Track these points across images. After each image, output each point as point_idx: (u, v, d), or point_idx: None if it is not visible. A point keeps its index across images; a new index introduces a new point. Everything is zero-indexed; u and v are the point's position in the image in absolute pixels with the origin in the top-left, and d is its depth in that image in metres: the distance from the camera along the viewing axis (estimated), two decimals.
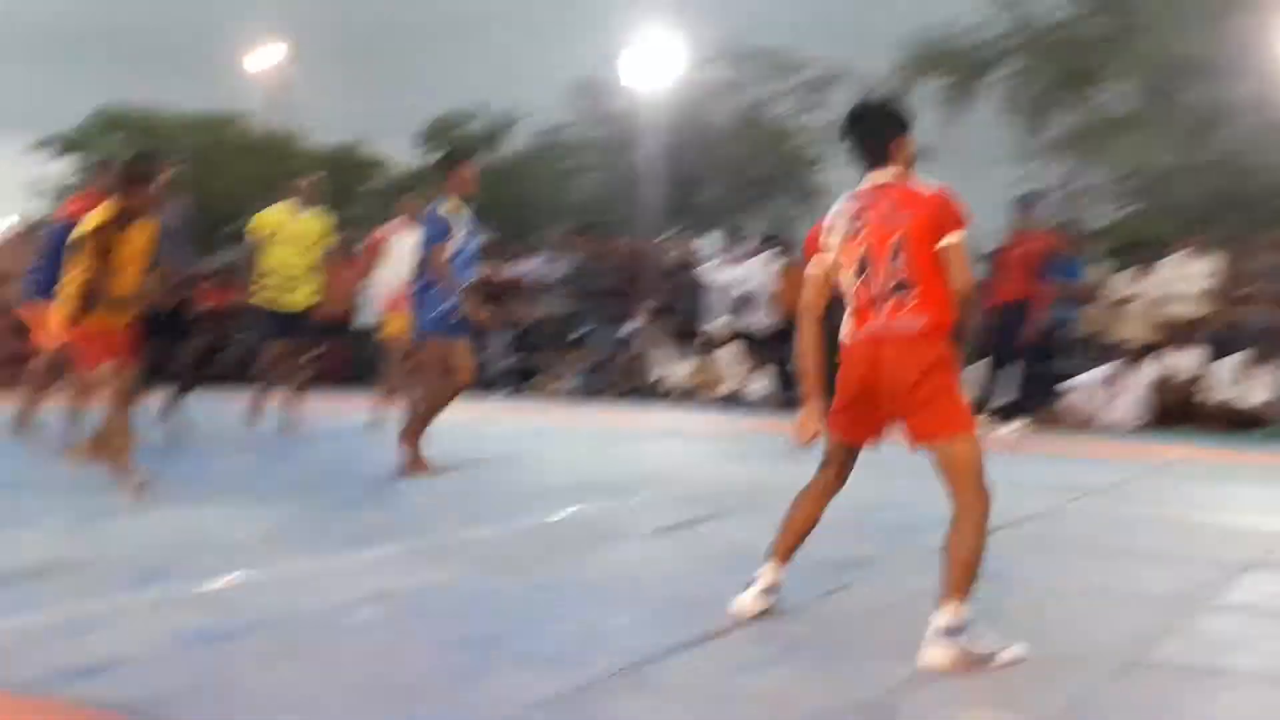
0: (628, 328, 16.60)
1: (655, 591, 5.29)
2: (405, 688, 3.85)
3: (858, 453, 4.96)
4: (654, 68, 18.03)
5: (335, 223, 11.21)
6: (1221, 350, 13.60)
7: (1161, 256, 14.47)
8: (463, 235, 8.60)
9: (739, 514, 7.08)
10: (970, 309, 4.66)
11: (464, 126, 34.39)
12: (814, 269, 4.90)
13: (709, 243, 18.01)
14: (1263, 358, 13.36)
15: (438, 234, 8.54)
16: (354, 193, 33.32)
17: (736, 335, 15.70)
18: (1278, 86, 20.72)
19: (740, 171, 31.64)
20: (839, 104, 30.44)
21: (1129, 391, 13.58)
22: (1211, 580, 5.76)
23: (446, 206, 8.64)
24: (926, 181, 4.65)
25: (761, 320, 15.62)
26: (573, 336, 17.05)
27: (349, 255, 13.13)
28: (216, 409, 11.11)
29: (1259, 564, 6.19)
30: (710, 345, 15.72)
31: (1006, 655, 4.21)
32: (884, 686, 4.02)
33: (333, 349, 13.60)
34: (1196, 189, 23.09)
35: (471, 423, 10.08)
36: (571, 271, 17.26)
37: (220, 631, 4.36)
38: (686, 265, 17.07)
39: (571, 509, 7.15)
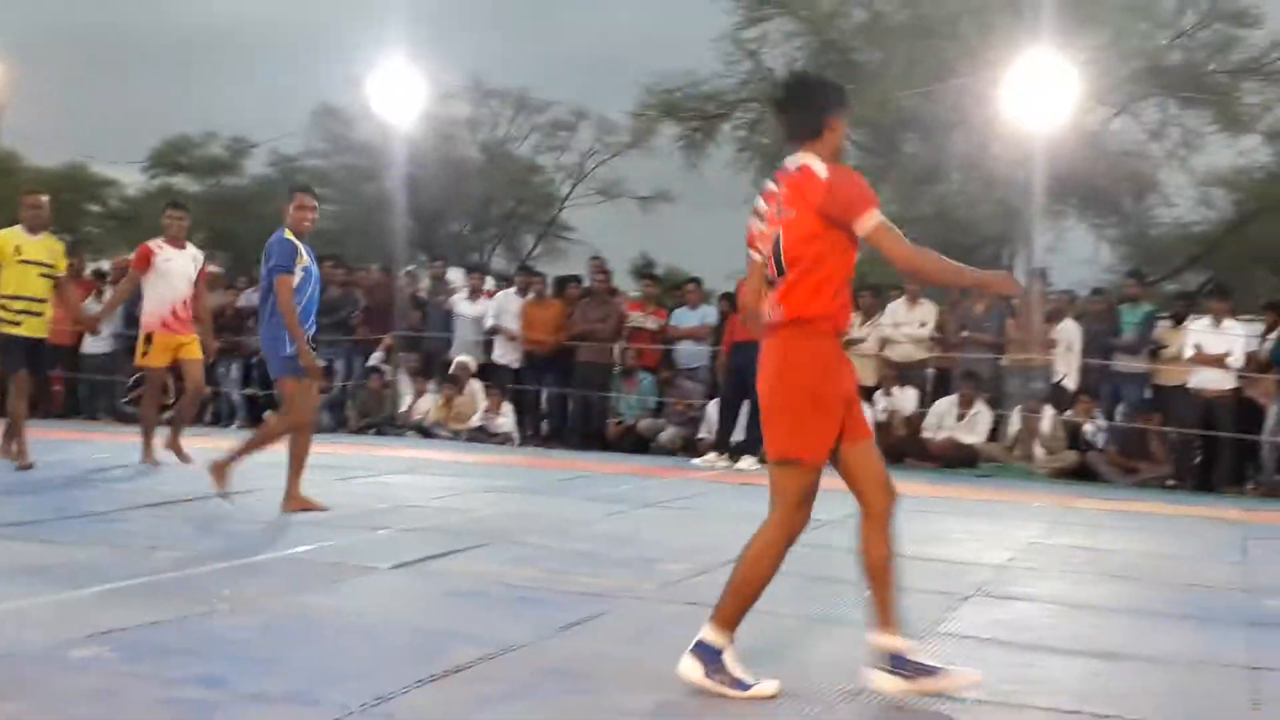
0: (374, 358, 16.32)
1: (396, 627, 5.16)
2: None
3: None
4: (398, 99, 17.85)
5: (65, 247, 10.62)
6: (939, 391, 14.19)
7: (882, 301, 14.98)
8: (311, 267, 8.28)
9: (483, 550, 7.03)
10: (924, 271, 4.60)
11: (197, 150, 33.33)
12: (751, 265, 4.57)
13: (457, 275, 17.86)
14: (975, 398, 14.00)
15: (286, 261, 8.10)
16: (81, 212, 31.92)
17: (483, 368, 15.57)
18: (987, 146, 21.74)
19: (484, 207, 31.50)
20: (582, 145, 30.80)
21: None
22: (934, 609, 5.95)
23: (288, 235, 8.25)
24: (817, 166, 4.29)
25: (507, 354, 15.55)
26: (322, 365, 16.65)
27: (78, 279, 12.56)
28: None
29: (978, 593, 6.46)
30: (458, 378, 15.55)
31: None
32: (643, 715, 4.02)
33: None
34: (916, 238, 24.03)
35: (204, 452, 9.71)
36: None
37: None
38: (435, 297, 16.88)
39: (309, 545, 6.96)
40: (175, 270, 10.16)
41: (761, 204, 4.43)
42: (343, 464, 11.54)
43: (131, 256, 11.35)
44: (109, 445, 10.46)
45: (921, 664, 4.25)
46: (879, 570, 4.45)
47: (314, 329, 8.36)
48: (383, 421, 15.80)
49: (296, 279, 8.05)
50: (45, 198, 10.40)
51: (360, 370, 16.37)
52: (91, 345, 16.55)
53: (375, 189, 28.14)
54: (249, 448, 8.49)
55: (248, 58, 48.75)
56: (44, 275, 10.00)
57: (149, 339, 10.28)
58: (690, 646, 4.19)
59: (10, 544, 6.67)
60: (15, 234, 9.94)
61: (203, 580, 5.85)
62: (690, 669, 4.16)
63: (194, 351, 10.29)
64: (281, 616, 5.18)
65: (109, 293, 16.77)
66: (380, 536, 7.35)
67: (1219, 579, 7.35)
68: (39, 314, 10.01)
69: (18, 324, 9.82)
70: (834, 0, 25.79)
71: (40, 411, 10.50)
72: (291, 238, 8.21)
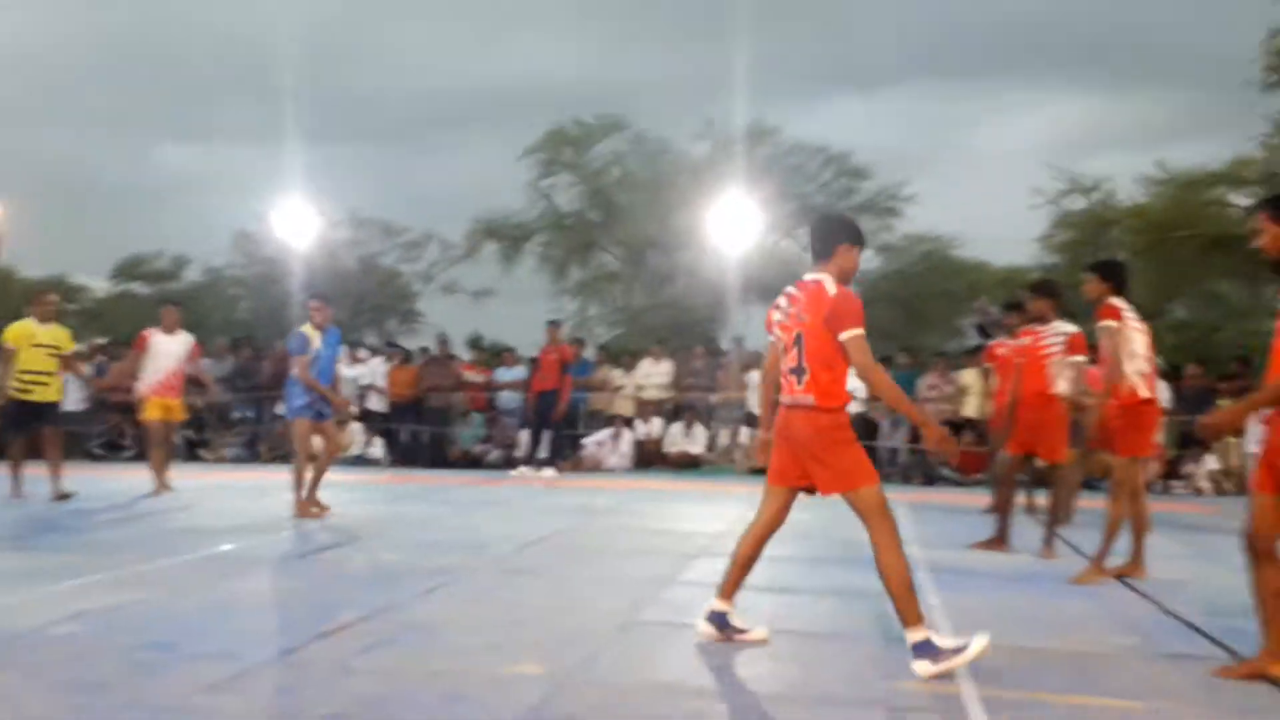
0: (278, 409, 15.77)
1: (297, 601, 4.96)
2: (98, 683, 3.41)
3: (792, 497, 4.20)
4: (296, 225, 17.56)
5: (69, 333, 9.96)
6: (674, 418, 14.36)
7: (638, 360, 15.16)
8: (321, 349, 8.31)
9: (358, 542, 6.79)
10: (875, 387, 4.05)
11: (148, 264, 32.12)
12: (772, 344, 4.19)
13: (352, 349, 17.48)
14: (695, 421, 14.23)
15: (299, 348, 8.27)
16: (64, 311, 30.19)
17: (361, 413, 15.22)
18: (702, 259, 22.32)
19: (361, 300, 31.00)
20: (430, 257, 30.62)
21: (621, 446, 14.08)
22: (673, 565, 5.98)
23: (308, 329, 8.34)
24: (838, 286, 3.98)
25: (377, 403, 15.32)
26: (235, 417, 16.03)
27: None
28: None
29: (702, 553, 6.47)
30: (342, 421, 15.12)
31: (971, 651, 3.65)
32: (465, 658, 3.90)
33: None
34: (658, 319, 24.50)
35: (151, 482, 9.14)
36: (232, 370, 16.29)
37: None
38: None
39: (232, 544, 6.60)
40: (164, 351, 9.72)
41: (783, 301, 4.09)
42: (257, 485, 11.02)
43: (102, 341, 10.85)
44: (80, 479, 9.73)
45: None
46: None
47: (328, 384, 8.48)
48: (286, 454, 15.22)
49: (310, 357, 8.20)
50: (54, 296, 9.95)
51: (269, 416, 15.80)
52: (70, 405, 15.58)
53: (280, 289, 27.42)
54: (317, 478, 8.33)
55: (184, 196, 46.97)
56: (51, 355, 9.40)
57: (143, 400, 9.80)
58: (911, 652, 3.67)
59: (4, 554, 6.18)
60: (29, 324, 9.36)
61: (151, 574, 5.46)
62: (924, 668, 3.62)
63: (177, 412, 9.83)
64: (211, 598, 4.88)
65: (83, 367, 15.91)
66: (285, 537, 7.02)
67: (858, 537, 7.51)
68: (47, 384, 9.38)
69: (29, 392, 9.23)
70: (600, 162, 26.21)
71: (34, 453, 9.67)
72: (307, 330, 8.32)
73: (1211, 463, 12.58)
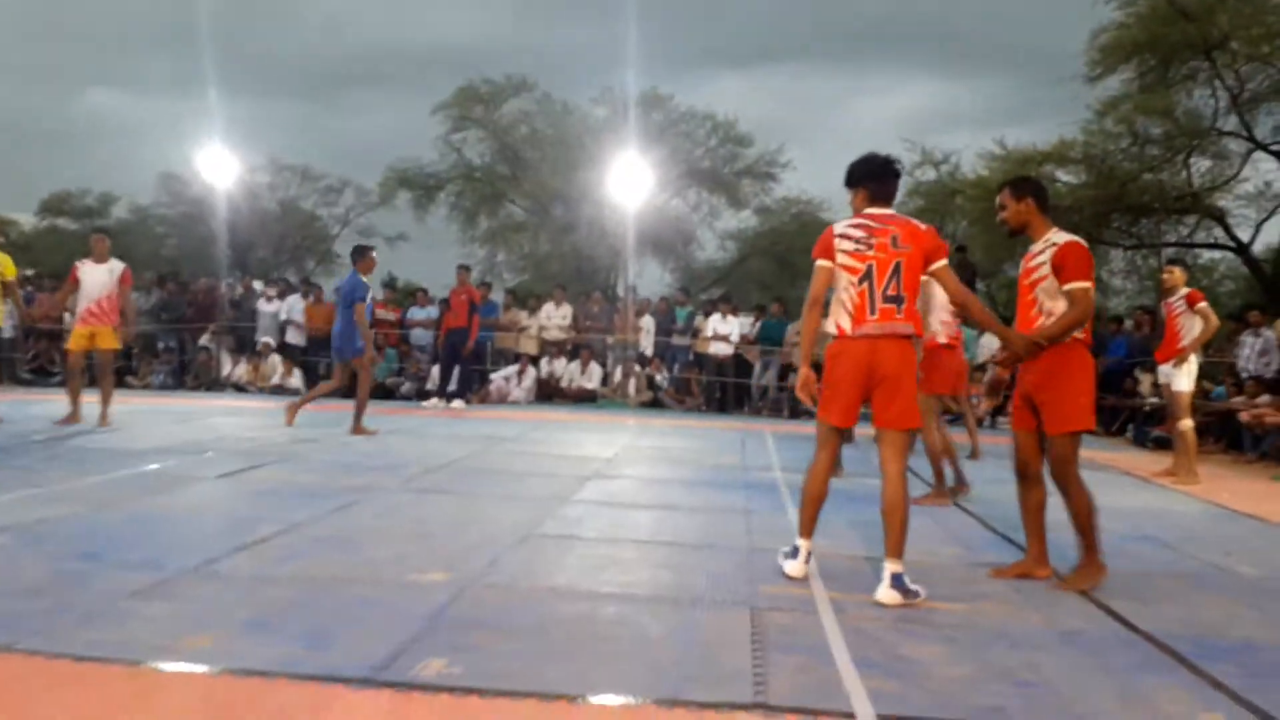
0: (203, 340, 15.19)
1: (218, 516, 4.82)
2: (30, 590, 3.28)
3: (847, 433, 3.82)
4: (220, 169, 16.77)
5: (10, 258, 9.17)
6: (574, 357, 14.34)
7: (542, 304, 15.04)
8: (369, 297, 8.67)
9: (278, 464, 6.63)
10: (971, 311, 4.01)
11: (75, 201, 30.39)
12: (822, 266, 3.76)
13: (261, 285, 16.82)
14: (591, 360, 14.25)
15: (361, 295, 8.50)
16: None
17: (280, 346, 14.76)
18: (601, 212, 22.17)
19: (281, 240, 29.95)
20: (347, 203, 29.71)
21: (525, 381, 14.02)
22: (569, 486, 6.03)
23: (364, 278, 8.61)
24: (919, 222, 3.82)
25: (295, 336, 14.89)
26: (161, 347, 15.37)
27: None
28: None
29: (595, 476, 6.56)
30: (261, 353, 14.65)
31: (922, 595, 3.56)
32: (376, 568, 3.87)
33: None
34: (560, 266, 24.33)
35: (86, 408, 8.72)
36: (158, 302, 15.57)
37: None
38: (245, 299, 15.86)
39: (157, 464, 6.37)
40: (94, 280, 8.85)
41: (858, 232, 3.69)
42: (182, 411, 10.64)
43: (30, 273, 10.00)
44: (10, 402, 9.23)
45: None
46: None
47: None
48: (210, 382, 14.71)
49: (366, 303, 8.54)
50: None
51: (193, 348, 15.21)
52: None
53: (204, 229, 26.29)
54: (362, 404, 8.79)
55: (111, 140, 44.46)
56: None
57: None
58: (889, 583, 3.52)
59: None
60: None
61: (78, 491, 5.24)
62: (891, 596, 3.50)
63: (105, 339, 8.85)
64: (137, 513, 4.71)
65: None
66: (208, 458, 6.78)
67: (729, 462, 7.74)
68: None
69: None
70: (508, 120, 25.67)
71: None
72: (363, 278, 8.60)
73: None
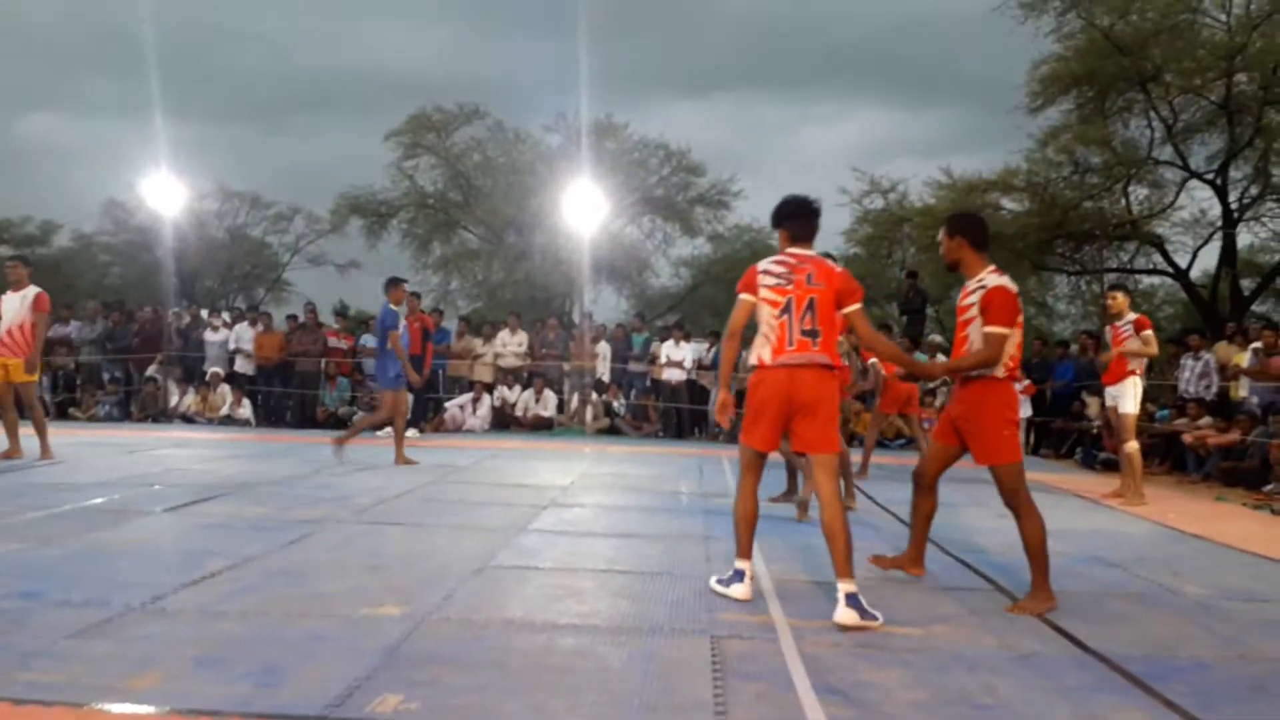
0: (150, 370, 14.86)
1: (165, 551, 4.68)
2: None
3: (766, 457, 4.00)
4: (165, 196, 16.47)
5: None
6: (529, 385, 14.27)
7: (497, 331, 14.95)
8: (403, 326, 8.80)
9: (227, 497, 6.48)
10: (878, 351, 4.25)
11: (16, 228, 29.64)
12: (744, 300, 3.93)
13: (209, 314, 16.51)
14: (545, 387, 14.20)
15: (393, 323, 8.66)
16: None
17: (229, 375, 14.50)
18: (556, 239, 22.22)
19: (230, 269, 29.52)
20: (298, 230, 29.40)
21: (480, 409, 13.91)
22: (525, 515, 5.97)
23: (396, 307, 8.77)
24: (835, 264, 4.07)
25: (245, 366, 14.63)
26: (106, 377, 15.00)
27: None
28: None
29: (552, 504, 6.52)
30: (211, 383, 14.37)
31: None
32: (328, 602, 3.80)
33: None
34: (515, 294, 24.29)
35: (24, 439, 8.46)
36: (103, 332, 15.22)
37: None
38: (191, 328, 15.56)
39: (101, 498, 6.19)
40: (6, 309, 8.47)
41: (778, 268, 3.90)
42: (129, 443, 10.37)
43: None
44: None
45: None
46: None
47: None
48: (157, 413, 14.39)
49: (400, 331, 8.70)
50: None
51: (139, 379, 14.87)
52: None
53: (150, 257, 25.85)
54: (357, 430, 9.07)
55: (49, 165, 43.58)
56: None
57: None
58: (844, 603, 3.55)
59: None
60: None
61: (19, 526, 5.08)
62: (848, 616, 3.53)
63: (16, 372, 8.33)
64: (80, 548, 4.57)
65: None
66: (155, 490, 6.61)
67: (686, 488, 7.73)
68: None
69: None
70: (461, 147, 25.69)
71: None
72: (395, 308, 8.77)
73: None
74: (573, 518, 5.97)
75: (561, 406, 14.42)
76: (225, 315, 15.89)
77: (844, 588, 3.60)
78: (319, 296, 20.40)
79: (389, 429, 12.48)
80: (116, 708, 2.54)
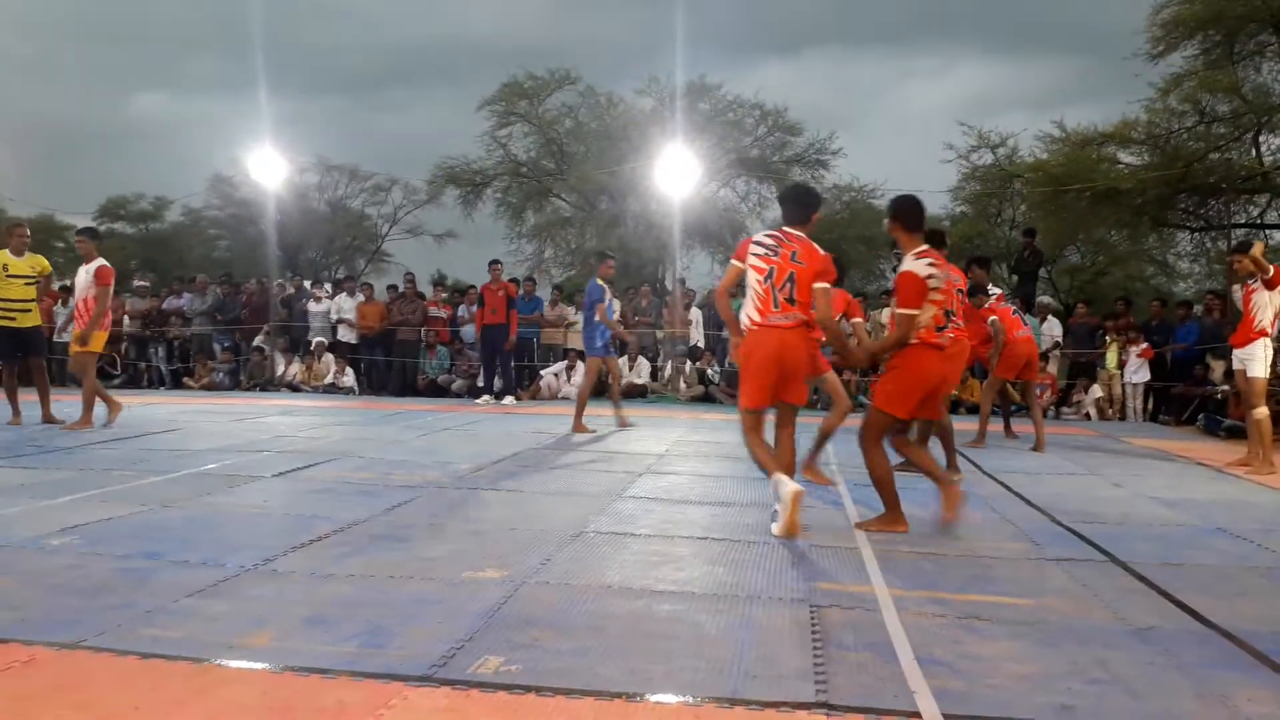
0: (257, 340, 15.52)
1: (276, 514, 4.89)
2: (94, 587, 3.38)
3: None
4: (269, 170, 17.10)
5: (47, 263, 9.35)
6: (623, 352, 14.34)
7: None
8: (609, 299, 9.08)
9: (332, 462, 6.74)
10: (827, 331, 4.73)
11: (131, 205, 31.29)
12: (735, 266, 4.67)
13: (311, 285, 17.11)
14: (639, 355, 14.25)
15: (599, 296, 8.91)
16: (51, 248, 29.80)
17: (332, 345, 15.03)
18: (648, 205, 22.18)
19: (331, 241, 30.46)
20: (395, 201, 30.12)
21: (575, 377, 14.06)
22: (621, 482, 6.03)
23: (600, 281, 9.00)
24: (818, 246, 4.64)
25: (348, 335, 15.13)
26: (218, 347, 15.73)
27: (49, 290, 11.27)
28: None
29: (647, 471, 6.56)
30: (315, 352, 14.92)
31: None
32: (432, 565, 3.91)
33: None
34: (612, 262, 24.32)
35: (143, 407, 8.94)
36: (214, 304, 15.94)
37: None
38: (296, 299, 16.16)
39: (215, 464, 6.51)
40: (77, 283, 8.88)
41: (769, 240, 4.59)
42: (238, 410, 10.87)
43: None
44: (74, 404, 9.49)
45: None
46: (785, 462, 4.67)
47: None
48: (264, 382, 15.03)
49: (606, 303, 8.92)
50: (27, 229, 9.19)
51: (248, 348, 15.55)
52: (63, 336, 15.30)
53: (255, 230, 26.89)
54: (583, 401, 9.13)
55: (160, 142, 45.67)
56: (29, 284, 8.89)
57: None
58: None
59: (1, 470, 6.00)
60: (4, 255, 8.83)
61: (141, 490, 5.39)
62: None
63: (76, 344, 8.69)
64: (197, 512, 4.83)
65: (71, 302, 15.51)
66: (264, 457, 6.92)
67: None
68: (29, 310, 8.91)
69: (12, 319, 8.79)
70: (553, 114, 25.78)
71: (24, 381, 9.38)
72: (601, 282, 9.01)
73: (1097, 391, 12.92)
74: (668, 485, 6.00)
75: (655, 374, 14.47)
76: (327, 286, 16.43)
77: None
78: (417, 266, 20.96)
79: (486, 397, 12.87)
80: (234, 664, 2.68)
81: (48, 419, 8.84)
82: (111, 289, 8.85)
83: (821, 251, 4.59)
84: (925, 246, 4.60)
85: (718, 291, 4.66)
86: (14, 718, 2.32)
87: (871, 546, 4.28)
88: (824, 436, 6.33)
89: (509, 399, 12.78)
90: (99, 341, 8.77)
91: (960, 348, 6.53)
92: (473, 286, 16.27)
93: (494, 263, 13.38)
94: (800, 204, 4.73)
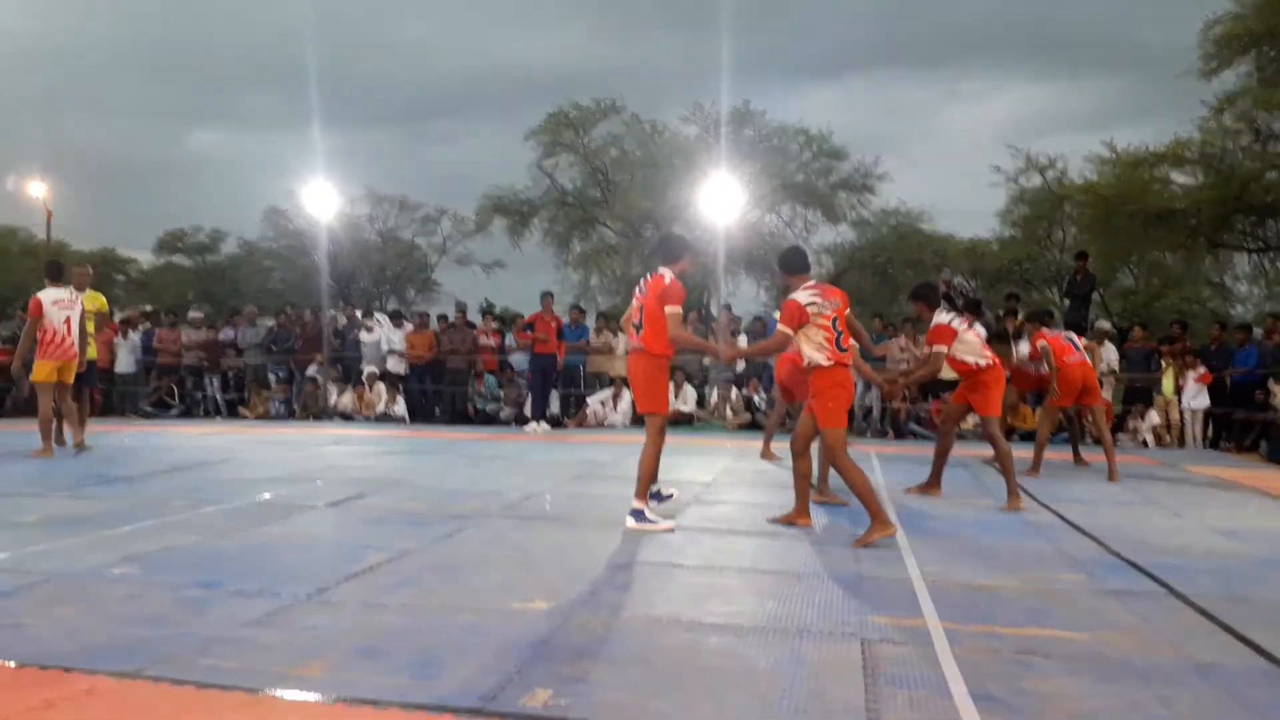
0: (310, 370, 15.77)
1: (329, 543, 4.96)
2: (153, 617, 3.44)
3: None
4: (321, 202, 17.48)
5: (105, 300, 9.77)
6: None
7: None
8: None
9: (384, 491, 6.81)
10: (681, 339, 5.43)
11: (189, 238, 32.19)
12: (631, 309, 5.62)
13: (362, 316, 17.40)
14: (684, 382, 14.22)
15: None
16: (112, 281, 30.72)
17: (383, 375, 15.22)
18: (693, 231, 22.21)
19: (382, 270, 30.94)
20: (444, 231, 30.59)
21: (621, 405, 14.10)
22: (668, 511, 5.97)
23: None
24: (667, 276, 5.37)
25: (398, 365, 15.31)
26: (273, 377, 16.02)
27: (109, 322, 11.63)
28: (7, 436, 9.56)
29: (694, 501, 6.53)
30: (367, 382, 15.12)
31: (660, 527, 5.27)
32: (481, 596, 3.92)
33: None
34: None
35: (199, 437, 9.13)
36: (267, 336, 16.26)
37: (12, 587, 3.77)
38: (349, 328, 16.43)
39: (269, 493, 6.62)
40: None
41: (641, 284, 5.54)
42: (292, 440, 11.04)
43: (148, 309, 10.43)
44: (134, 434, 9.73)
45: (650, 520, 5.33)
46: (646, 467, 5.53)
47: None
48: (318, 411, 15.25)
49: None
50: (89, 267, 9.78)
51: (301, 378, 15.81)
52: (122, 367, 15.74)
53: (308, 261, 27.43)
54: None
55: (215, 176, 47.02)
56: (89, 319, 9.28)
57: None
58: (630, 514, 5.37)
59: (65, 501, 6.17)
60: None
61: (196, 520, 5.50)
62: (630, 523, 5.31)
63: (67, 371, 8.98)
64: (252, 541, 4.91)
65: (131, 335, 15.96)
66: (317, 486, 7.02)
67: (841, 484, 7.55)
68: (88, 344, 9.32)
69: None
70: (598, 143, 26.04)
71: (86, 412, 9.64)
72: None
73: (1154, 418, 12.63)
74: (716, 515, 5.97)
75: (701, 401, 14.44)
76: (377, 316, 16.69)
77: (634, 503, 5.36)
78: (466, 295, 21.19)
79: (534, 425, 12.95)
80: (287, 694, 2.71)
81: (79, 445, 9.08)
82: (38, 320, 8.91)
83: (667, 279, 5.34)
84: (812, 282, 5.40)
85: (624, 321, 5.95)
86: None
87: (924, 581, 4.21)
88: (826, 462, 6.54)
89: (543, 425, 12.85)
90: (40, 371, 8.90)
91: (996, 374, 6.56)
92: (520, 315, 16.47)
93: (546, 294, 13.53)
94: (661, 244, 5.91)
